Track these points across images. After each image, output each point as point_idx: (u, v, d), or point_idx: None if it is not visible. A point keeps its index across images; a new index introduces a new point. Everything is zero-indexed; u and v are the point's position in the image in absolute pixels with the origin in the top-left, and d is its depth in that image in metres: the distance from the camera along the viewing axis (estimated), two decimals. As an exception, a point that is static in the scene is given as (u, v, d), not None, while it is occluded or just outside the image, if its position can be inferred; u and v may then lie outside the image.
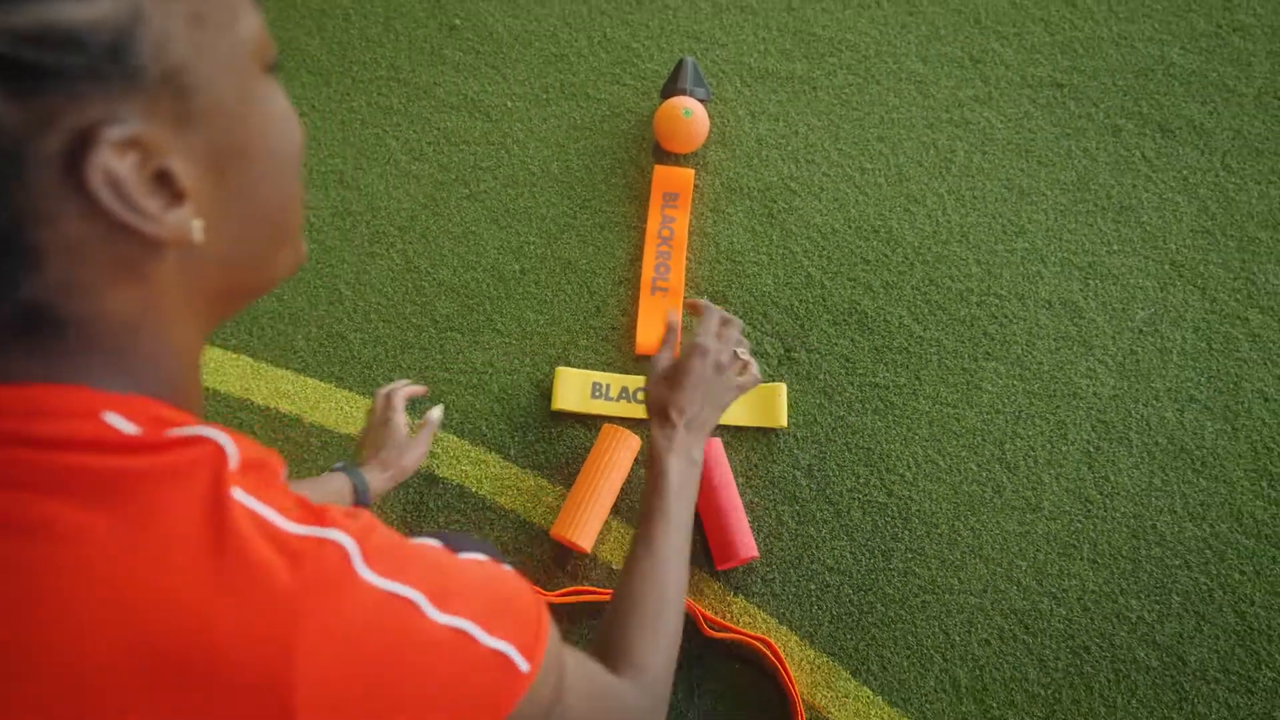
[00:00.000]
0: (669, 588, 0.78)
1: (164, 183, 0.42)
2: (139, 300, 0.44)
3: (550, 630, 0.56)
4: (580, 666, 0.62)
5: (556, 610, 1.10)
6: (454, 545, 0.60)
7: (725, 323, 0.95)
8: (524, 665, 0.51)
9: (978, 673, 1.10)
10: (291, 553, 0.43)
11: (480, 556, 0.57)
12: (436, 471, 1.18)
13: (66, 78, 0.38)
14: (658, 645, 0.73)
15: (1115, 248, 1.32)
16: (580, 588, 1.11)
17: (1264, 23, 1.47)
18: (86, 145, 0.39)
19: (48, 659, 0.39)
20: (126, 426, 0.43)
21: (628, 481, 1.16)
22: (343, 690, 0.43)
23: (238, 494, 0.43)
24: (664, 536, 0.80)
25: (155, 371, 0.46)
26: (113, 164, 0.40)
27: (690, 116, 1.31)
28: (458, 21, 1.46)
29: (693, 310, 1.00)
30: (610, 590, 1.08)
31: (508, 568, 0.57)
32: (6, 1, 0.37)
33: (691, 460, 0.87)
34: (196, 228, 0.44)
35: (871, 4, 1.48)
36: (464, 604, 0.49)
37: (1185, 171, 1.37)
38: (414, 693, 0.46)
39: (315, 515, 0.46)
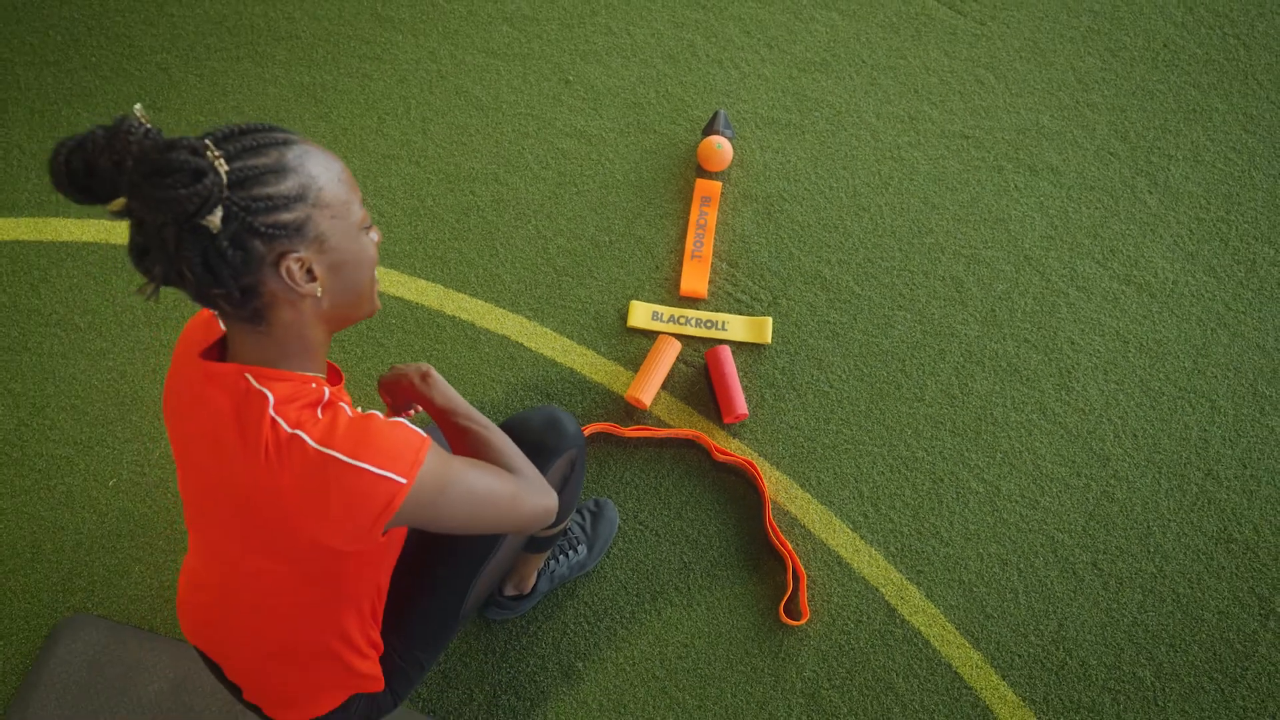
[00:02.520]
0: (505, 438, 1.25)
1: (310, 272, 0.99)
2: (296, 317, 1.04)
3: (430, 460, 1.03)
4: (473, 481, 1.10)
5: (626, 440, 1.86)
6: (531, 413, 1.34)
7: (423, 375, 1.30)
8: (400, 479, 1.01)
9: (898, 484, 1.84)
10: (285, 438, 1.01)
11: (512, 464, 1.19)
12: (559, 360, 1.94)
13: (283, 238, 0.96)
14: (521, 460, 1.23)
15: (990, 245, 2.05)
16: (642, 427, 1.87)
17: (1110, 102, 2.20)
18: (283, 258, 0.96)
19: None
20: (257, 384, 1.03)
21: (671, 368, 1.92)
22: (300, 498, 1.00)
23: (272, 411, 1.02)
24: (488, 423, 1.25)
25: (301, 351, 1.06)
26: (292, 265, 0.97)
27: (721, 148, 2.06)
28: (571, 78, 2.22)
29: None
30: (657, 429, 1.84)
31: (417, 430, 1.06)
32: (258, 213, 0.94)
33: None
34: (316, 290, 1.01)
35: (845, 77, 2.22)
36: (368, 452, 1.00)
37: (1041, 198, 2.10)
38: (340, 490, 1.00)
39: (298, 424, 1.01)
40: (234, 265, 0.95)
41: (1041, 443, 1.89)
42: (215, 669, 1.34)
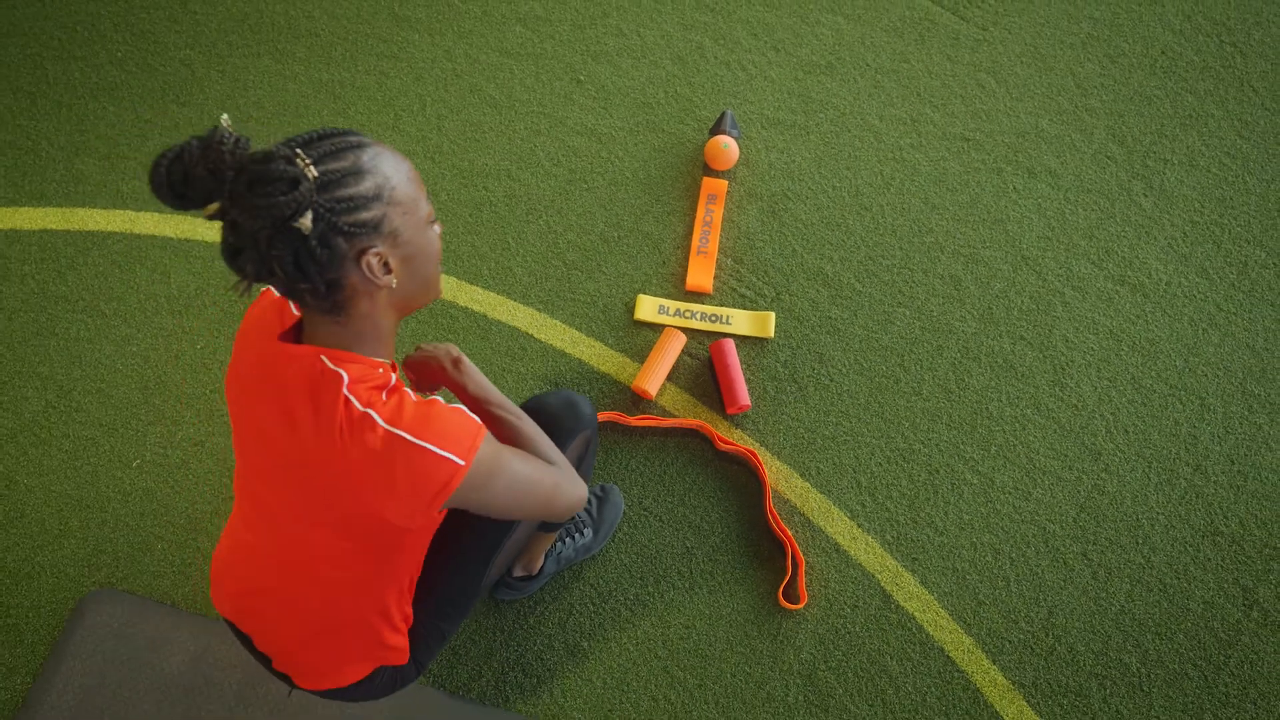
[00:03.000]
0: (537, 429, 1.33)
1: (386, 265, 1.07)
2: (372, 307, 1.14)
3: (485, 446, 1.11)
4: (519, 469, 1.17)
5: (633, 429, 1.92)
6: (548, 395, 1.41)
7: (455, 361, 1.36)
8: (460, 461, 1.09)
9: (895, 475, 1.90)
10: (357, 416, 1.08)
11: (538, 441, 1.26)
12: (568, 351, 2.00)
13: (363, 236, 1.05)
14: (555, 452, 1.31)
15: (988, 245, 2.11)
16: (648, 417, 1.93)
17: (1108, 107, 2.26)
18: (364, 253, 1.05)
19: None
20: (331, 365, 1.10)
21: (676, 360, 1.98)
22: (367, 472, 1.07)
23: (346, 390, 1.09)
24: (520, 413, 1.32)
25: (374, 338, 1.14)
26: (371, 260, 1.05)
27: (728, 148, 2.12)
28: (582, 78, 2.28)
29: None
30: (662, 419, 1.90)
31: (474, 418, 1.13)
32: (341, 214, 1.03)
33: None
34: (393, 281, 1.09)
35: (849, 80, 2.28)
36: (431, 433, 1.07)
37: (1039, 199, 2.16)
38: (405, 467, 1.08)
39: (369, 404, 1.09)
40: (321, 262, 1.03)
41: (1035, 437, 1.95)
42: (245, 640, 1.41)
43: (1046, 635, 1.80)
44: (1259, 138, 2.22)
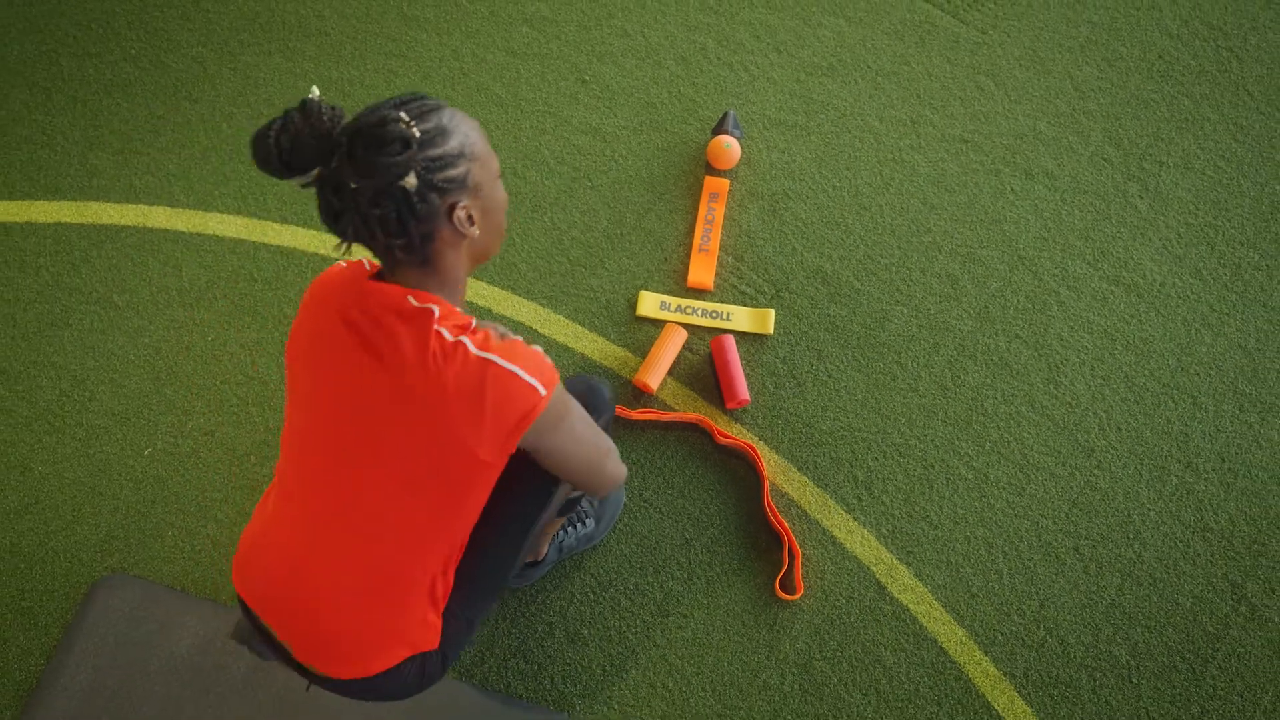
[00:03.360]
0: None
1: (471, 218, 1.18)
2: (455, 257, 1.24)
3: (559, 388, 1.20)
4: (584, 423, 1.27)
5: (634, 422, 1.96)
6: (567, 381, 1.45)
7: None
8: (542, 390, 1.19)
9: (891, 470, 1.94)
10: (449, 344, 1.15)
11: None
12: (571, 346, 2.04)
13: (454, 191, 1.17)
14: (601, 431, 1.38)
15: (985, 245, 2.15)
16: (649, 410, 1.97)
17: (1105, 110, 2.29)
18: (454, 208, 1.17)
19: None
20: (419, 304, 1.18)
21: (677, 356, 2.02)
22: (459, 394, 1.14)
23: (437, 324, 1.17)
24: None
25: (453, 286, 1.25)
26: (460, 213, 1.17)
27: (730, 147, 2.16)
28: (587, 78, 2.32)
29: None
30: (663, 413, 1.94)
31: (548, 358, 1.23)
32: (436, 171, 1.13)
33: None
34: (476, 232, 1.20)
35: (850, 82, 2.32)
36: (519, 361, 1.17)
37: (1036, 200, 2.19)
38: (494, 390, 1.16)
39: (459, 335, 1.16)
40: (420, 218, 1.12)
41: (1029, 433, 1.98)
42: (266, 633, 1.38)
43: (1038, 627, 1.84)
44: (1253, 141, 2.25)
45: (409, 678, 1.35)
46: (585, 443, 1.27)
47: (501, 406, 1.15)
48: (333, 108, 1.09)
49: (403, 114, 1.09)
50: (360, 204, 1.09)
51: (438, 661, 1.38)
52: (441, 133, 1.12)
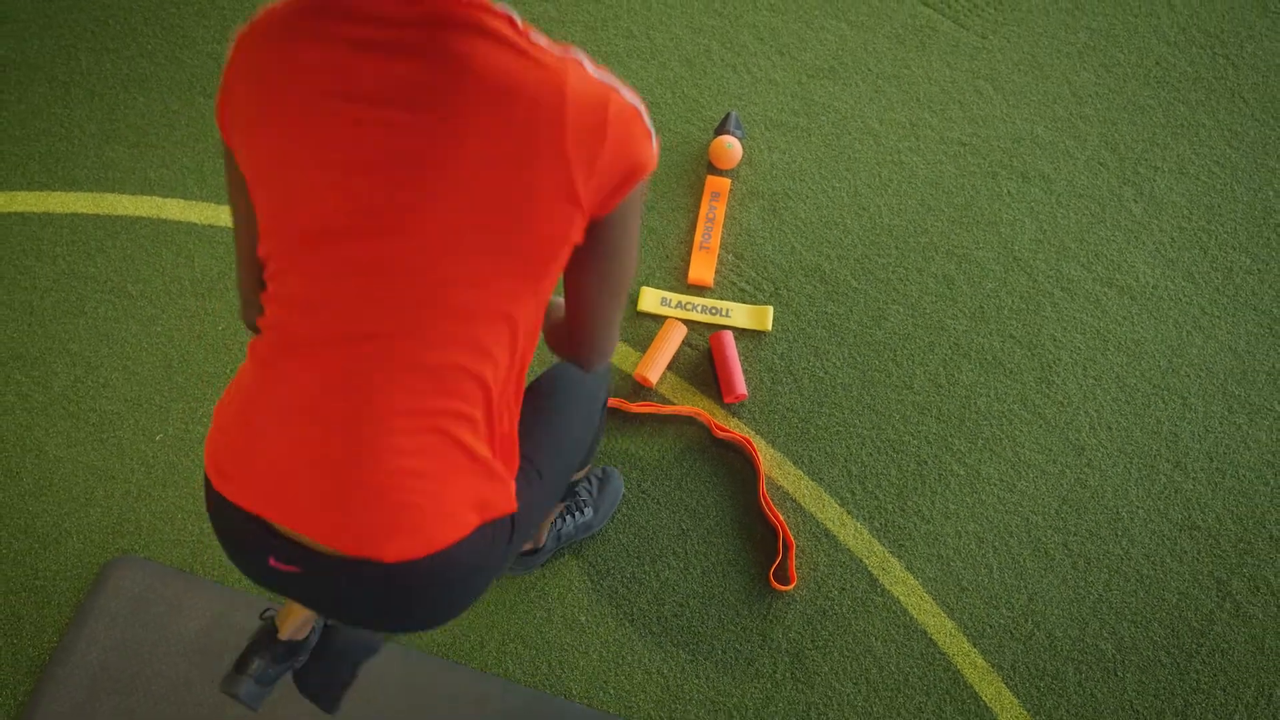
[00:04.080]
0: None
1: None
2: None
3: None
4: (637, 231, 1.04)
5: (633, 415, 2.00)
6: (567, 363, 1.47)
7: None
8: (654, 147, 0.95)
9: (885, 465, 1.98)
10: (558, 56, 0.94)
11: None
12: (570, 339, 2.08)
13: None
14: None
15: (981, 246, 2.19)
16: (648, 404, 2.01)
17: (1101, 115, 2.33)
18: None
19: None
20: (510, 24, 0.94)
21: (677, 350, 2.06)
22: (582, 109, 0.92)
23: (536, 36, 0.94)
24: None
25: None
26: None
27: (731, 147, 2.20)
28: (593, 78, 2.37)
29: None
30: (661, 406, 1.98)
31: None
32: None
33: None
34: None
35: (851, 84, 2.36)
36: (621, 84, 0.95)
37: (1032, 203, 2.23)
38: (618, 124, 0.93)
39: (564, 48, 0.95)
40: None
41: (1021, 431, 2.02)
42: (275, 548, 1.03)
43: (1026, 621, 1.88)
44: (1248, 148, 2.28)
45: (488, 550, 1.05)
46: (634, 246, 1.04)
47: (623, 146, 0.92)
48: None
49: None
50: None
51: (503, 543, 1.08)
52: None
